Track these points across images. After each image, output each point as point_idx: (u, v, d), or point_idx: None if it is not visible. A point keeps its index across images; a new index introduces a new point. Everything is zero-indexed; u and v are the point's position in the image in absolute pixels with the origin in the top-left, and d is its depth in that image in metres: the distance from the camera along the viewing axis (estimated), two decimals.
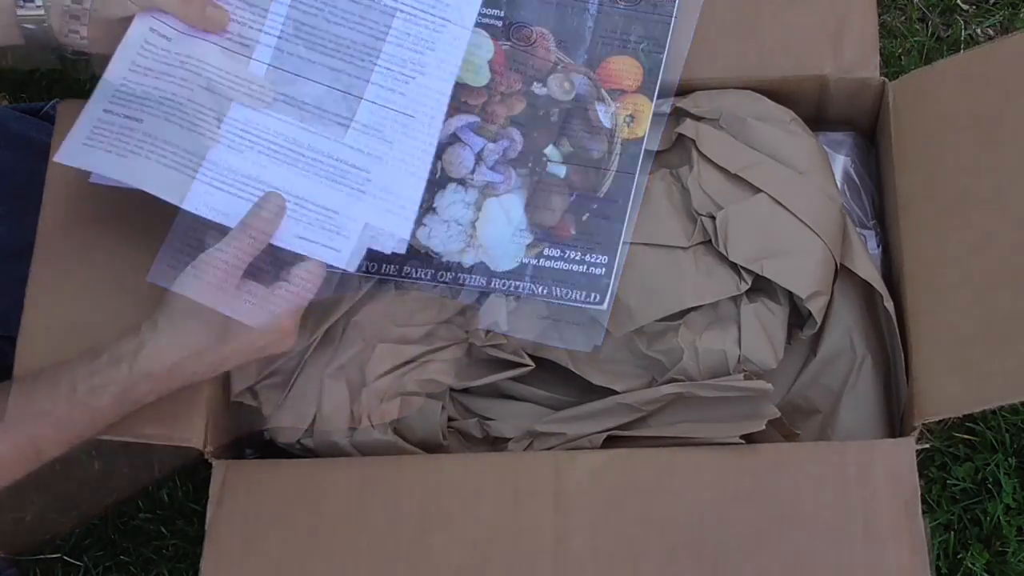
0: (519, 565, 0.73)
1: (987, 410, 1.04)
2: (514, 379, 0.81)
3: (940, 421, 1.03)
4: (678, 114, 0.85)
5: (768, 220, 0.79)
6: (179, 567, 1.04)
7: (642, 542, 0.73)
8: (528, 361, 0.80)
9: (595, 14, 0.85)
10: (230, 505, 0.76)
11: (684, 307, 0.79)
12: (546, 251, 0.80)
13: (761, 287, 0.80)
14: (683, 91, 0.85)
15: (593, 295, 0.78)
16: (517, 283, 0.79)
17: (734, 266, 0.79)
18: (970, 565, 1.00)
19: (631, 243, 0.80)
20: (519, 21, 0.86)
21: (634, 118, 0.82)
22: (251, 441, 0.86)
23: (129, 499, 1.05)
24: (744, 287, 0.79)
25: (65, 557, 1.05)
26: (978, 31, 1.23)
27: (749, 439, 0.75)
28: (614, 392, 0.79)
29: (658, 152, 0.84)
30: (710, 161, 0.82)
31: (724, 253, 0.79)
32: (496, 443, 0.81)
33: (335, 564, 0.74)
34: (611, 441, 0.78)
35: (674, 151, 0.85)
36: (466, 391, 0.82)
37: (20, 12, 0.73)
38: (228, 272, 0.70)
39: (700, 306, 0.79)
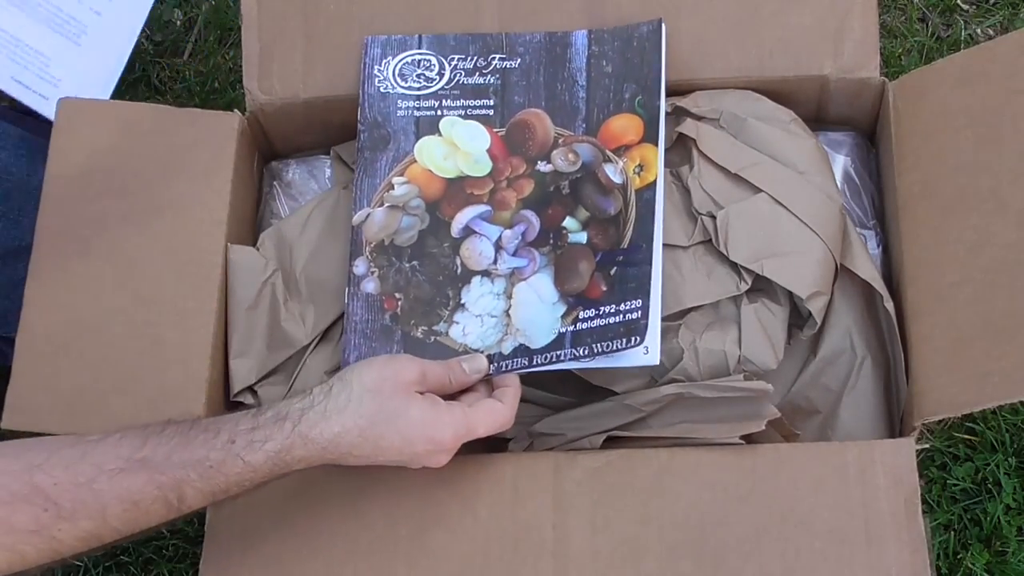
0: (519, 565, 0.73)
1: (987, 410, 1.04)
2: None
3: (940, 421, 1.03)
4: (678, 113, 0.85)
5: (768, 220, 0.79)
6: (179, 567, 1.04)
7: (642, 542, 0.73)
8: None
9: (585, 84, 0.84)
10: (230, 505, 0.75)
11: (684, 307, 0.79)
12: (581, 314, 0.77)
13: (761, 287, 0.80)
14: (683, 91, 0.85)
15: (633, 338, 0.74)
16: (557, 353, 0.76)
17: (734, 266, 0.79)
18: (970, 565, 1.00)
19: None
20: (511, 107, 0.85)
21: (643, 167, 0.80)
22: None
23: None
24: (744, 287, 0.79)
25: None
26: (978, 31, 1.23)
27: (749, 439, 0.75)
28: (614, 393, 0.79)
29: None
30: (710, 160, 0.82)
31: (724, 253, 0.79)
32: (496, 443, 0.81)
33: (335, 564, 0.74)
34: (611, 441, 0.78)
35: (674, 150, 0.85)
36: None
37: None
38: (416, 378, 0.71)
39: (700, 306, 0.79)
